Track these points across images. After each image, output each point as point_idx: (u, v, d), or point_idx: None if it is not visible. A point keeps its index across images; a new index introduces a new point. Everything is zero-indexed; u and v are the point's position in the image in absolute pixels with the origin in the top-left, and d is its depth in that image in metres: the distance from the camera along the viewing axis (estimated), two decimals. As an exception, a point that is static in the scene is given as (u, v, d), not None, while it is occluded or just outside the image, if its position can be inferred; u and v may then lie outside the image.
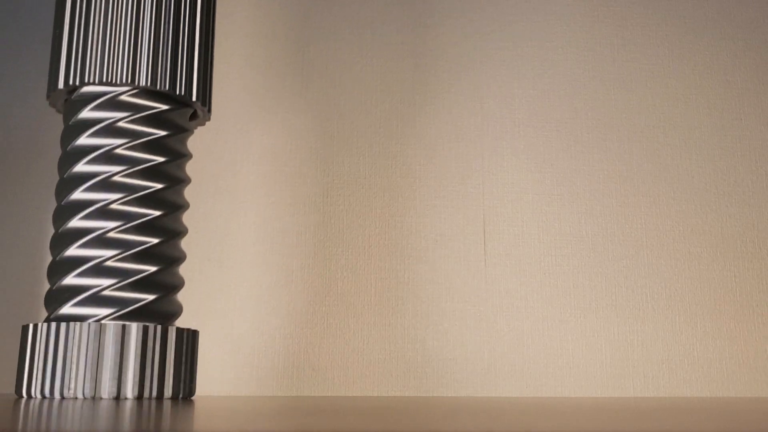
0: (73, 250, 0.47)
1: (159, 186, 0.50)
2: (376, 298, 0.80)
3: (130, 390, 0.45)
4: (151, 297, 0.48)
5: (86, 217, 0.48)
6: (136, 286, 0.47)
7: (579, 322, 0.80)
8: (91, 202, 0.48)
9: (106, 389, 0.44)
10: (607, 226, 0.83)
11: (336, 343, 0.78)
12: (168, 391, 0.46)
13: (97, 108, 0.50)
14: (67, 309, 0.46)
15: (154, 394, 0.46)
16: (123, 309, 0.46)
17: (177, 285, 0.51)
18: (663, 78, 0.87)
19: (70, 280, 0.47)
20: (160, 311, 0.48)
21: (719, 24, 0.89)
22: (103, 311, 0.46)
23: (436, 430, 0.24)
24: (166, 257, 0.50)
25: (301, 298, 0.79)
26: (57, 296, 0.48)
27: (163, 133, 0.50)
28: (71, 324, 0.45)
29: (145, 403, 0.42)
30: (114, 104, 0.50)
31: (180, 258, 0.51)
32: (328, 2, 0.88)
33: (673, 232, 0.83)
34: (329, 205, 0.82)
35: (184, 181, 0.53)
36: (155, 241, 0.49)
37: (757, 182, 0.85)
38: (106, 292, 0.46)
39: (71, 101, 0.52)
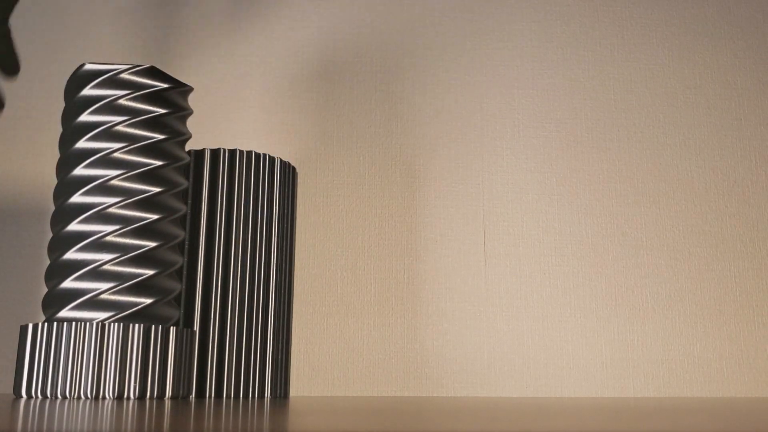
0: (70, 254, 0.47)
1: (157, 189, 0.49)
2: (376, 298, 0.80)
3: (132, 390, 0.45)
4: (149, 300, 0.48)
5: (84, 221, 0.48)
6: (135, 290, 0.47)
7: (579, 322, 0.80)
8: (90, 205, 0.48)
9: (109, 389, 0.44)
10: (607, 226, 0.83)
11: (336, 343, 0.78)
12: (169, 391, 0.46)
13: (98, 86, 0.50)
14: (66, 312, 0.46)
15: (156, 393, 0.46)
16: (121, 312, 0.46)
17: (175, 289, 0.50)
18: (663, 78, 0.87)
19: (68, 283, 0.47)
20: (159, 315, 0.48)
21: (719, 24, 0.89)
22: (102, 314, 0.46)
23: (436, 430, 0.24)
24: (165, 261, 0.49)
25: (301, 298, 0.79)
26: (55, 299, 0.47)
27: (163, 111, 0.51)
28: (74, 323, 0.45)
29: (148, 402, 0.42)
30: (114, 82, 0.50)
31: (177, 262, 0.51)
32: (327, 2, 0.88)
33: (673, 232, 0.83)
34: (329, 205, 0.82)
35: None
36: (153, 244, 0.48)
37: (757, 182, 0.85)
38: (105, 296, 0.46)
39: (71, 80, 0.52)
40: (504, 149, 0.84)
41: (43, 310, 0.48)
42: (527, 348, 0.79)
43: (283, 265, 0.60)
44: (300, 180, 0.82)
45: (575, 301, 0.81)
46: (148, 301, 0.47)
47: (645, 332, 0.80)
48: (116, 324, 0.45)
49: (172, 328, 0.47)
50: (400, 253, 0.81)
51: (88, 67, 0.52)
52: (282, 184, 0.61)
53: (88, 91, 0.50)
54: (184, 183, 0.52)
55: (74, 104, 0.51)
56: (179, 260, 0.51)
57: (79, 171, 0.49)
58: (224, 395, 0.55)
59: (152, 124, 0.50)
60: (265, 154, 0.60)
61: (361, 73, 0.86)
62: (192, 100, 0.81)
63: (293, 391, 0.76)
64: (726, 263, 0.83)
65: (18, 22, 0.85)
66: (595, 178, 0.84)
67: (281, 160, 0.61)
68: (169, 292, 0.50)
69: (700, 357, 0.80)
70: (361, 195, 0.82)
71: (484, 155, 0.84)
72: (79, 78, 0.51)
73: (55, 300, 0.47)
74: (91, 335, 0.44)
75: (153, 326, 0.46)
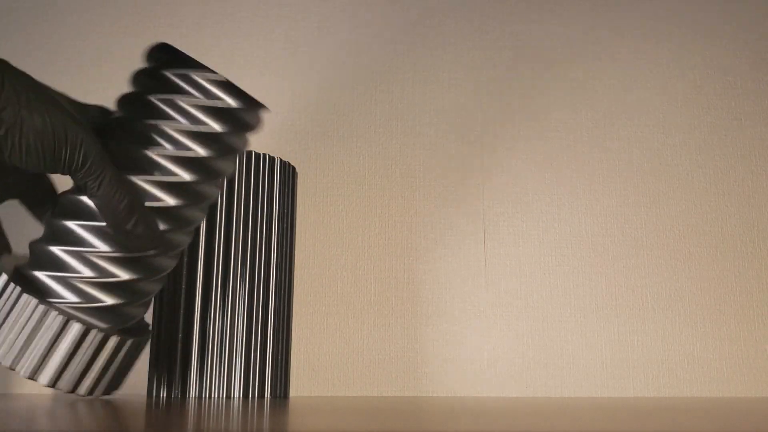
0: (73, 225, 0.46)
1: (180, 202, 0.48)
2: (376, 298, 0.80)
3: (45, 377, 0.44)
4: (120, 301, 0.46)
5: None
6: (109, 288, 0.46)
7: (579, 322, 0.80)
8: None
9: (24, 366, 0.43)
10: (607, 226, 0.83)
11: (336, 343, 0.78)
12: (83, 389, 0.45)
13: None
14: (41, 274, 0.45)
15: (67, 387, 0.45)
16: (86, 303, 0.45)
17: (154, 291, 0.49)
18: (663, 78, 0.87)
19: (56, 250, 0.46)
20: (124, 312, 0.47)
21: (719, 24, 0.89)
22: (69, 296, 0.45)
23: (436, 430, 0.24)
24: (157, 267, 0.48)
25: (301, 298, 0.79)
26: (38, 256, 0.46)
27: (221, 129, 0.47)
28: (24, 295, 0.43)
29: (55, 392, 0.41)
30: (185, 78, 0.47)
31: (170, 267, 0.50)
32: (327, 1, 0.88)
33: (673, 232, 0.83)
34: (329, 205, 0.82)
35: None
36: (152, 252, 0.47)
37: (757, 182, 0.85)
38: (79, 282, 0.45)
39: (152, 52, 0.48)
40: (504, 149, 0.84)
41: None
42: (527, 348, 0.79)
43: (283, 264, 0.60)
44: (300, 180, 0.82)
45: (575, 301, 0.81)
46: (119, 301, 0.46)
47: (645, 332, 0.80)
48: (60, 317, 0.43)
49: (113, 337, 0.45)
50: (400, 253, 0.81)
51: (168, 47, 0.50)
52: (282, 184, 0.61)
53: (159, 68, 0.47)
54: (213, 196, 0.50)
55: (142, 77, 0.48)
56: (173, 265, 0.50)
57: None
58: (224, 395, 0.55)
59: (204, 137, 0.47)
60: (265, 154, 0.60)
61: (361, 73, 0.86)
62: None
63: (293, 391, 0.76)
64: (726, 263, 0.83)
65: (17, 22, 0.85)
66: (595, 178, 0.84)
67: (281, 160, 0.61)
68: (147, 294, 0.48)
69: (700, 357, 0.80)
70: (361, 195, 0.82)
71: (484, 155, 0.84)
72: (156, 54, 0.48)
73: (39, 257, 0.46)
74: (34, 314, 0.43)
75: (94, 331, 0.44)
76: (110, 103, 0.49)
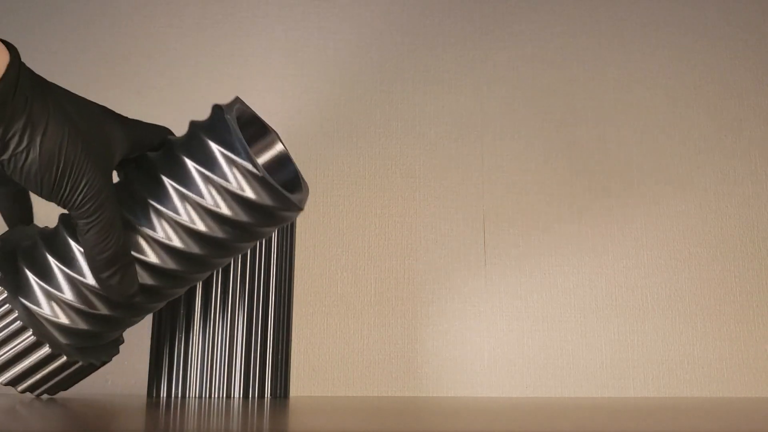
0: (72, 242, 0.45)
1: (185, 269, 0.46)
2: (376, 298, 0.80)
3: None
4: (88, 328, 0.46)
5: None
6: (84, 315, 0.46)
7: (579, 322, 0.80)
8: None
9: None
10: (607, 226, 0.83)
11: (336, 343, 0.78)
12: (20, 387, 0.45)
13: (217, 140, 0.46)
14: (28, 274, 0.45)
15: (4, 381, 0.45)
16: (56, 319, 0.45)
17: (135, 322, 0.49)
18: (663, 78, 0.87)
19: (51, 260, 0.45)
20: (88, 336, 0.47)
21: (719, 24, 0.89)
22: (45, 310, 0.45)
23: (436, 430, 0.24)
24: (139, 309, 0.48)
25: (301, 298, 0.79)
26: (35, 253, 0.46)
27: (247, 220, 0.45)
28: (5, 294, 0.43)
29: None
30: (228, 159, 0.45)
31: (157, 307, 0.49)
32: (327, 1, 0.88)
33: (673, 232, 0.83)
34: (329, 205, 0.82)
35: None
36: (140, 299, 0.46)
37: (757, 182, 0.85)
38: (55, 300, 0.45)
39: (220, 114, 0.47)
40: (504, 149, 0.84)
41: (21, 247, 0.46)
42: (527, 348, 0.79)
43: (283, 264, 0.60)
44: (300, 180, 0.82)
45: (575, 301, 0.81)
46: (91, 329, 0.46)
47: (645, 332, 0.80)
48: (19, 323, 0.43)
49: (62, 357, 0.45)
50: (400, 253, 0.81)
51: (241, 110, 0.49)
52: (282, 184, 0.61)
53: (207, 134, 0.46)
54: (220, 264, 0.49)
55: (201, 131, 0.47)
56: (160, 306, 0.49)
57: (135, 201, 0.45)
58: (224, 395, 0.55)
59: (221, 219, 0.45)
60: (265, 154, 0.60)
61: (361, 73, 0.86)
62: (192, 100, 0.81)
63: (293, 391, 0.76)
64: (726, 263, 0.83)
65: (17, 23, 0.85)
66: (595, 178, 0.84)
67: (281, 160, 0.61)
68: (124, 325, 0.48)
69: (700, 357, 0.80)
70: (361, 195, 0.82)
71: (484, 155, 0.84)
72: (218, 119, 0.47)
73: (35, 259, 0.45)
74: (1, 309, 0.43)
75: (45, 346, 0.44)
76: (110, 105, 0.49)
